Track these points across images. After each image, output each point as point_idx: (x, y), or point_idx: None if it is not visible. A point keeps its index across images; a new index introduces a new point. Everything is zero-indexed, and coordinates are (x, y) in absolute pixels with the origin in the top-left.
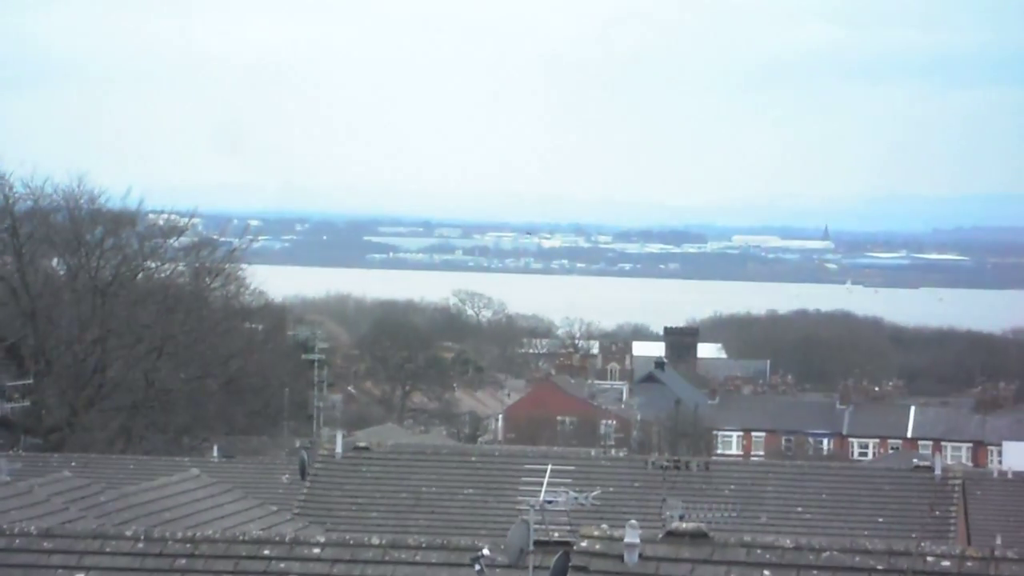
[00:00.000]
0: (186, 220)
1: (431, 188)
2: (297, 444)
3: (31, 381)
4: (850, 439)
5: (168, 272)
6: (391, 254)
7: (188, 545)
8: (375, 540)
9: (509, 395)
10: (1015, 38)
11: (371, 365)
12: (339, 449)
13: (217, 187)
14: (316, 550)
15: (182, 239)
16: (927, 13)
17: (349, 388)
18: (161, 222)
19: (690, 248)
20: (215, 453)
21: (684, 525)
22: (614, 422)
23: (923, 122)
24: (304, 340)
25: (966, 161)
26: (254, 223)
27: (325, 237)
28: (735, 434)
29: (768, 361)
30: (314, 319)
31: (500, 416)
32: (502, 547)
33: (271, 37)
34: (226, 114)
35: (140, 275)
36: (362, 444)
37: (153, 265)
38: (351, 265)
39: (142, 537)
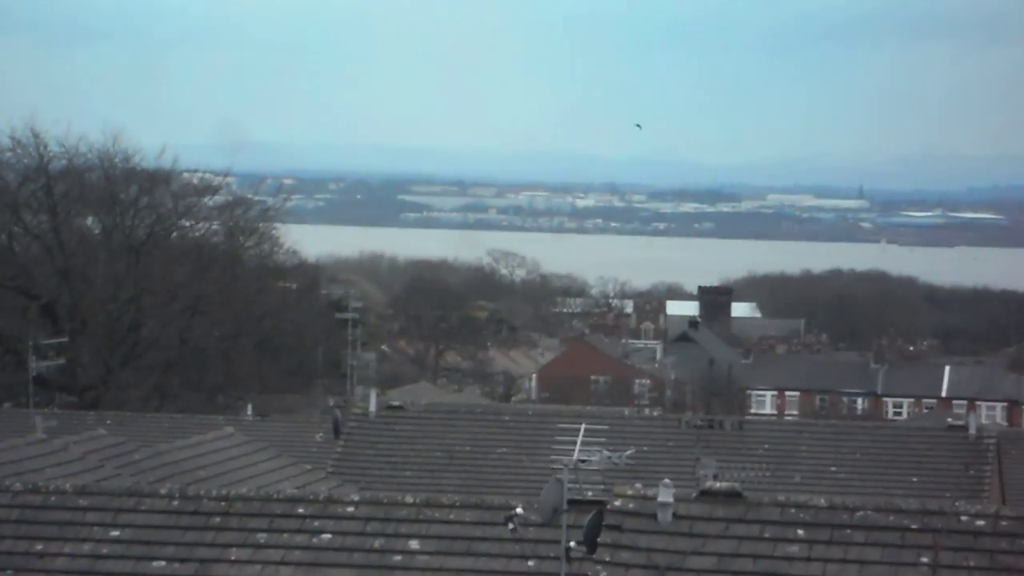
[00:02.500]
0: (220, 179)
1: (465, 148)
2: (331, 403)
3: (66, 339)
4: (884, 399)
5: (202, 231)
6: (425, 213)
7: (223, 503)
8: (409, 499)
9: (543, 354)
10: None
11: (405, 324)
12: (373, 408)
13: (251, 146)
14: (350, 509)
15: (216, 198)
16: None
17: (383, 347)
18: (195, 181)
19: (724, 207)
20: (249, 412)
21: (718, 484)
22: (648, 381)
23: (959, 80)
24: (338, 299)
25: (1002, 119)
26: (288, 182)
27: (359, 196)
28: (769, 393)
29: (802, 320)
30: (348, 278)
31: (534, 375)
32: (536, 506)
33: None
34: (262, 73)
35: (174, 234)
36: (396, 403)
37: (187, 224)
38: (385, 224)
39: (177, 495)
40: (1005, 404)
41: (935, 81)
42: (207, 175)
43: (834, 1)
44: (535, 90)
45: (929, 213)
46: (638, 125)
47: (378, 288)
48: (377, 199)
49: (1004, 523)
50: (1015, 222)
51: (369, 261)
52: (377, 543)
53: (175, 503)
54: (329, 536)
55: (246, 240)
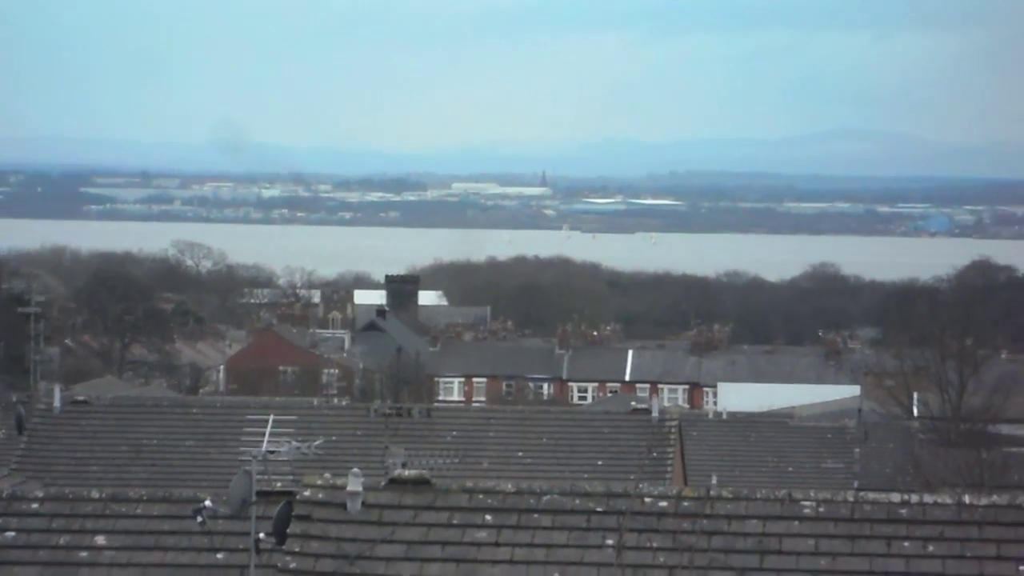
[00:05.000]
0: None
1: (148, 139)
2: (14, 399)
3: None
4: (569, 383)
5: None
6: (108, 205)
7: None
8: (95, 494)
9: (230, 346)
10: None
11: (89, 317)
12: (57, 403)
13: None
14: (34, 505)
15: None
16: None
17: (67, 341)
18: None
19: (410, 196)
20: None
21: (406, 472)
22: (336, 371)
23: (638, 68)
24: (19, 293)
25: (679, 107)
26: None
27: (40, 189)
28: (457, 380)
29: (488, 307)
30: (30, 272)
31: (222, 367)
32: (224, 498)
33: None
34: None
35: None
36: (81, 398)
37: None
38: (67, 217)
39: None
40: (686, 387)
41: (614, 69)
42: None
43: None
44: (218, 79)
45: (610, 200)
46: None
47: (61, 281)
48: (58, 192)
49: (686, 504)
50: (693, 207)
51: (51, 254)
52: (63, 540)
53: None
54: (13, 534)
55: None
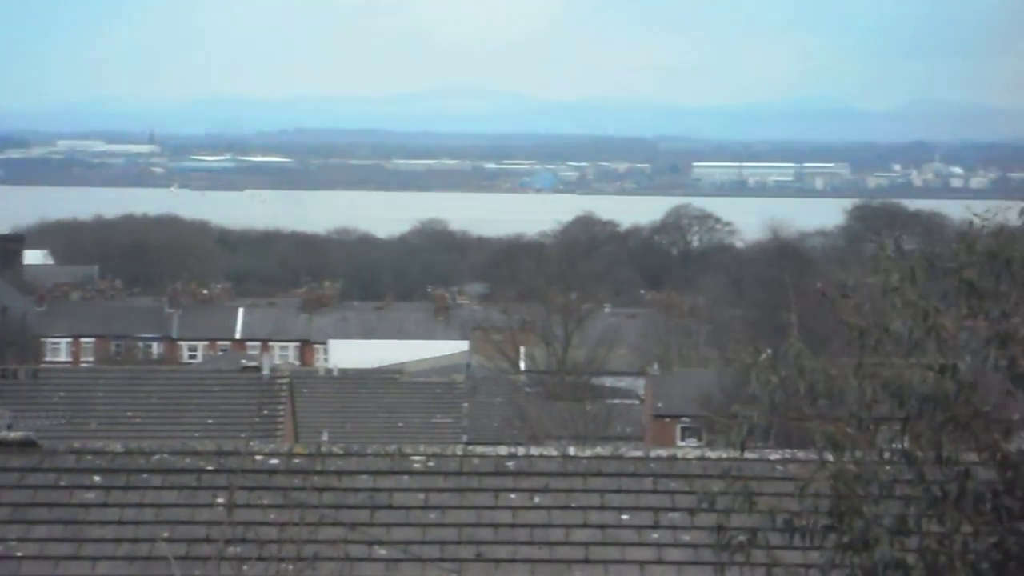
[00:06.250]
0: None
1: None
2: None
3: None
4: (180, 342)
5: None
6: None
7: None
8: None
9: None
10: None
11: None
12: None
13: None
14: None
15: None
16: None
17: None
18: None
19: (13, 153)
20: None
21: (11, 434)
22: None
23: (247, 24)
24: None
25: (288, 64)
26: None
27: None
28: (64, 341)
29: (96, 266)
30: None
31: None
32: None
33: None
34: None
35: None
36: None
37: None
38: None
39: None
40: (297, 344)
41: (222, 25)
42: None
43: None
44: None
45: (219, 157)
46: None
47: None
48: None
49: (297, 460)
50: (303, 165)
51: None
52: None
53: None
54: None
55: None
